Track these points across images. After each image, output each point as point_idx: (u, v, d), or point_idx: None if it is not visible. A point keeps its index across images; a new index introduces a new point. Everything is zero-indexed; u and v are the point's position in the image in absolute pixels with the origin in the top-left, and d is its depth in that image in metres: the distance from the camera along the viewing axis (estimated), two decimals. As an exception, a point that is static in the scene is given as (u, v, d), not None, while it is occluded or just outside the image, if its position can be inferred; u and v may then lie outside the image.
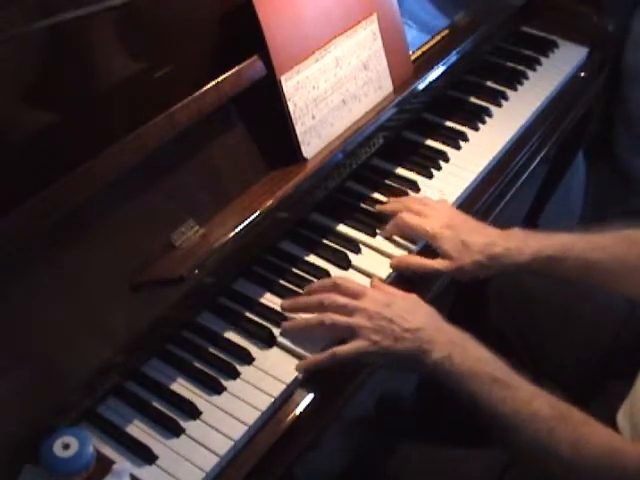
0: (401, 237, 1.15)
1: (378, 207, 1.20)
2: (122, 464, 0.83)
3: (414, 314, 0.96)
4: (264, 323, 1.01)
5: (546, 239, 1.09)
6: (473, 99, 1.49)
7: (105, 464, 0.82)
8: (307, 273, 1.09)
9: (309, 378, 0.96)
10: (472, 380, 0.90)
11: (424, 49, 1.35)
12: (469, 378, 0.90)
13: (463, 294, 1.54)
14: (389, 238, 1.15)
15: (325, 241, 1.15)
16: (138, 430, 0.88)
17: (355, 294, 0.99)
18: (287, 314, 1.02)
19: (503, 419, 0.88)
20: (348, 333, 0.96)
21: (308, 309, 1.01)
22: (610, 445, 0.85)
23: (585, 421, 0.86)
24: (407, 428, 1.60)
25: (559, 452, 0.84)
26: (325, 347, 0.98)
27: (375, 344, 0.93)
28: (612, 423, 1.00)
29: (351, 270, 1.10)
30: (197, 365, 0.96)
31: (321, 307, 0.99)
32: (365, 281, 1.07)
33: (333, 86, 1.15)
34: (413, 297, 1.01)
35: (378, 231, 1.16)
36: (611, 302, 1.32)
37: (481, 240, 1.09)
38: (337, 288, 1.01)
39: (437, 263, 1.10)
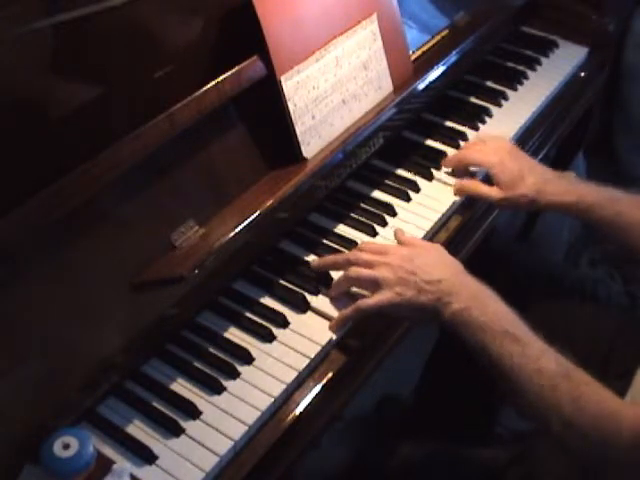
0: (459, 173, 1.27)
1: (443, 162, 1.29)
2: (122, 464, 0.83)
3: (437, 266, 0.99)
4: (264, 323, 1.01)
5: (595, 188, 1.17)
6: (473, 99, 1.49)
7: (105, 464, 0.82)
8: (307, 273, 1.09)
9: (309, 376, 0.97)
10: (486, 332, 0.92)
11: (424, 49, 1.35)
12: (483, 330, 0.92)
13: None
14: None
15: (325, 241, 1.15)
16: (138, 430, 0.88)
17: (379, 252, 1.02)
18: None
19: (510, 372, 0.90)
20: (373, 286, 0.99)
21: (335, 266, 1.05)
22: (608, 405, 0.88)
23: (588, 381, 0.89)
24: (407, 428, 1.60)
25: (560, 408, 0.87)
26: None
27: (399, 295, 0.96)
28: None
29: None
30: (197, 365, 0.96)
31: (347, 264, 1.03)
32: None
33: (333, 86, 1.15)
34: (437, 248, 1.04)
35: (378, 231, 1.16)
36: (611, 302, 1.33)
37: (534, 176, 1.19)
38: (362, 249, 1.05)
39: (490, 190, 1.21)
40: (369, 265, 1.00)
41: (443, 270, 0.99)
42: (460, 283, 0.97)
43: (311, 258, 1.12)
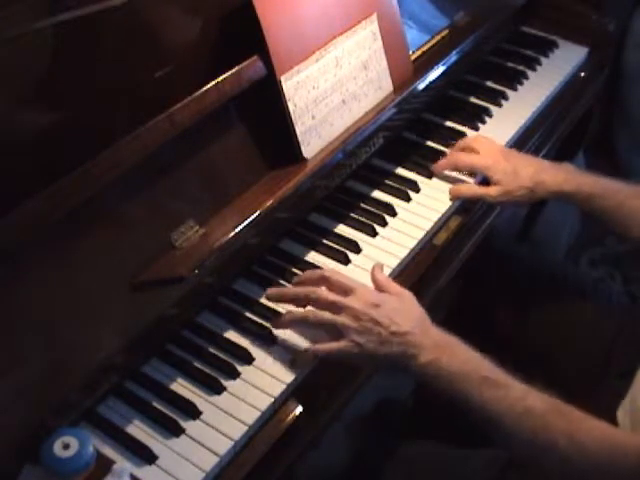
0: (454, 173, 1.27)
1: (433, 167, 1.27)
2: (122, 464, 0.83)
3: (402, 316, 0.93)
4: (264, 323, 1.01)
5: (593, 178, 1.18)
6: (473, 99, 1.49)
7: (105, 464, 0.82)
8: (307, 273, 1.08)
9: (309, 378, 0.97)
10: (461, 381, 0.89)
11: (424, 49, 1.35)
12: (458, 380, 0.89)
13: (468, 296, 1.54)
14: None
15: (325, 241, 1.15)
16: (138, 430, 0.88)
17: (344, 290, 0.95)
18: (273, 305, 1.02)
19: (497, 418, 0.87)
20: (333, 331, 0.93)
21: (294, 301, 0.98)
22: (607, 436, 0.85)
23: (580, 416, 0.86)
24: (407, 428, 1.60)
25: (556, 445, 0.84)
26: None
27: (359, 346, 0.91)
28: (612, 420, 1.00)
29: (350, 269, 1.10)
30: (197, 365, 0.96)
31: (307, 300, 0.96)
32: (366, 278, 1.04)
33: (333, 86, 1.15)
34: (406, 295, 0.98)
35: (378, 231, 1.16)
36: (611, 302, 1.33)
37: (531, 168, 1.20)
38: (326, 281, 0.97)
39: (487, 190, 1.21)
40: (332, 307, 0.93)
41: (408, 320, 0.92)
42: (426, 334, 0.92)
43: (311, 258, 1.12)
